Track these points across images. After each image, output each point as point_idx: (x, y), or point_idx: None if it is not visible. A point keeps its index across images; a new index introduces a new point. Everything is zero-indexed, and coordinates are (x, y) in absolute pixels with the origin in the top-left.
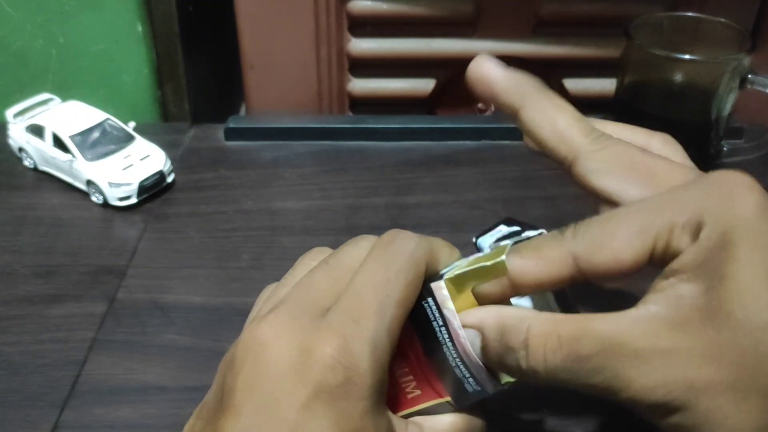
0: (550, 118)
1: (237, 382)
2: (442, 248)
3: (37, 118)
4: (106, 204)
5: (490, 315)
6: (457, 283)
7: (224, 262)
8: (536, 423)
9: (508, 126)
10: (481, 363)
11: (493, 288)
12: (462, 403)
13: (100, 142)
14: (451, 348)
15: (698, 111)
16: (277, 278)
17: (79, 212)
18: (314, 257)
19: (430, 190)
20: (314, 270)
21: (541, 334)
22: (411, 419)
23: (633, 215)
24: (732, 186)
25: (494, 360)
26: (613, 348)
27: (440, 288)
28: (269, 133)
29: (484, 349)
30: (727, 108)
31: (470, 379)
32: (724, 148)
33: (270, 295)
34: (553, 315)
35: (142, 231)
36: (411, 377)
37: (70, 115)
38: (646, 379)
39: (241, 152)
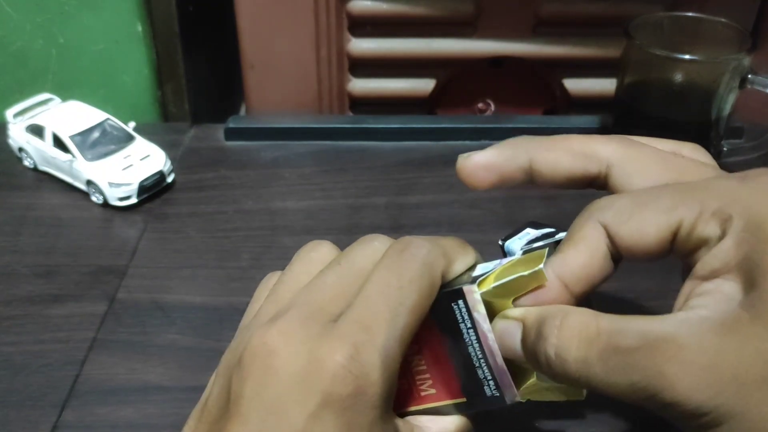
0: (565, 147)
1: (245, 389)
2: (456, 251)
3: (37, 118)
4: (106, 204)
5: (533, 309)
6: (495, 296)
7: (224, 262)
8: (536, 423)
9: (508, 126)
10: (505, 367)
11: (545, 296)
12: (475, 407)
13: (100, 142)
14: (478, 349)
15: (698, 111)
16: None
17: (79, 212)
18: (315, 249)
19: (431, 190)
20: (325, 272)
21: (577, 322)
22: (417, 422)
23: (664, 193)
24: (767, 182)
25: (529, 351)
26: (658, 343)
27: (472, 292)
28: (269, 133)
29: (522, 340)
30: (727, 108)
31: (491, 382)
32: (724, 148)
33: (271, 293)
34: (595, 311)
35: (143, 231)
36: (428, 375)
37: (70, 115)
38: (694, 378)
39: (241, 152)
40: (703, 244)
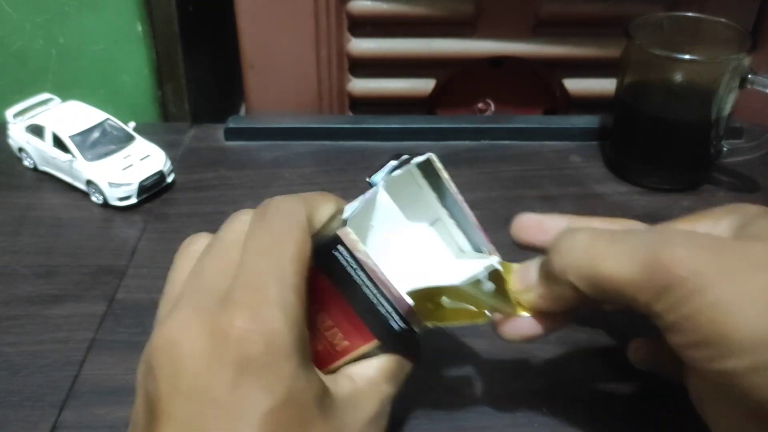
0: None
1: (160, 387)
2: (314, 198)
3: (37, 118)
4: (106, 204)
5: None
6: (422, 297)
7: None
8: (536, 423)
9: (508, 126)
10: (401, 294)
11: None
12: (391, 344)
13: (100, 142)
14: (371, 286)
15: (698, 111)
16: None
17: (79, 212)
18: (193, 242)
19: None
20: (202, 257)
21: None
22: (340, 371)
23: (638, 236)
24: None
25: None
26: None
27: (347, 234)
28: (269, 133)
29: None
30: (727, 108)
31: (395, 315)
32: (724, 148)
33: (162, 296)
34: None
35: (142, 231)
36: (336, 329)
37: (70, 115)
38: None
39: (241, 152)
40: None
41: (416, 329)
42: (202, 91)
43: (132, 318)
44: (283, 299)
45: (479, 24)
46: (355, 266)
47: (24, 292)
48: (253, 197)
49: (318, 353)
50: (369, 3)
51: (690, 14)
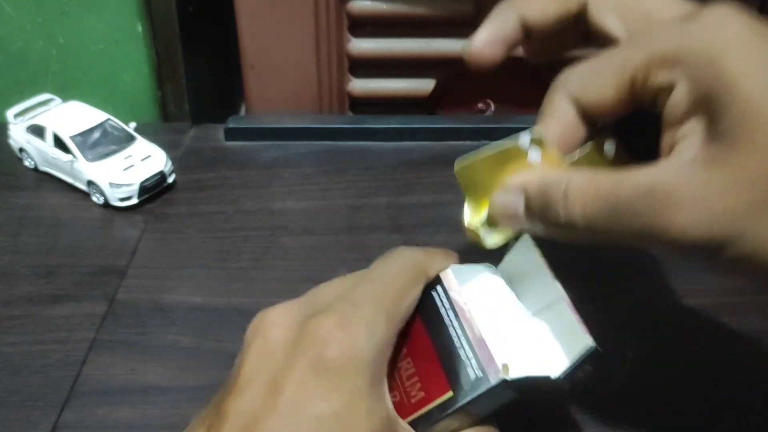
0: None
1: (244, 362)
2: (437, 253)
3: (38, 118)
4: (106, 204)
5: (534, 176)
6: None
7: (224, 262)
8: (536, 423)
9: (508, 126)
10: (483, 336)
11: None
12: (462, 397)
13: (101, 143)
14: (457, 327)
15: None
16: (278, 277)
17: (79, 212)
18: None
19: (430, 190)
20: (333, 280)
21: (580, 185)
22: None
23: (615, 52)
24: (715, 16)
25: (536, 215)
26: (651, 190)
27: (447, 274)
28: (269, 133)
29: (526, 208)
30: None
31: (473, 361)
32: None
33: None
34: (591, 171)
35: (143, 231)
36: (416, 378)
37: (71, 116)
38: (687, 216)
39: (241, 152)
40: (661, 91)
41: (492, 380)
42: (202, 91)
43: (132, 318)
44: (372, 322)
45: (479, 24)
46: (448, 306)
47: (24, 292)
48: (253, 197)
49: (395, 404)
50: (369, 3)
51: None
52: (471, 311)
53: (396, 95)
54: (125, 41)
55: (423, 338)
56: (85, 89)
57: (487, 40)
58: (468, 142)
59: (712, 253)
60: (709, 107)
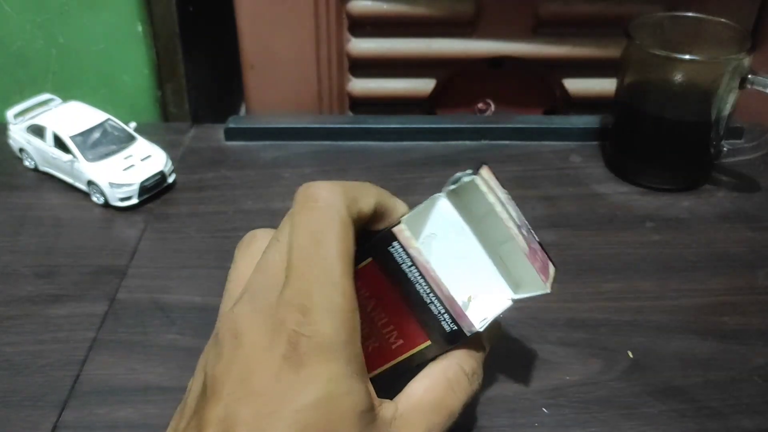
0: None
1: (216, 370)
2: (356, 188)
3: (38, 118)
4: (107, 204)
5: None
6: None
7: (225, 262)
8: (536, 423)
9: (508, 126)
10: (451, 294)
11: None
12: (443, 346)
13: (101, 143)
14: (424, 285)
15: (698, 111)
16: None
17: (79, 212)
18: (254, 240)
19: (430, 190)
20: (266, 251)
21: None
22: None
23: None
24: None
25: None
26: None
27: (401, 231)
28: (269, 133)
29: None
30: (727, 108)
31: (446, 316)
32: (724, 148)
33: (225, 293)
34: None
35: (143, 231)
36: (392, 327)
37: (71, 116)
38: None
39: (241, 152)
40: None
41: (466, 331)
42: (202, 91)
43: (133, 318)
44: (330, 302)
45: (479, 24)
46: (409, 264)
47: (25, 292)
48: (253, 197)
49: (374, 350)
50: (369, 3)
51: (690, 14)
52: (435, 270)
53: (396, 95)
54: (125, 41)
55: (391, 293)
56: (85, 89)
57: None
58: (468, 142)
59: None
60: None
